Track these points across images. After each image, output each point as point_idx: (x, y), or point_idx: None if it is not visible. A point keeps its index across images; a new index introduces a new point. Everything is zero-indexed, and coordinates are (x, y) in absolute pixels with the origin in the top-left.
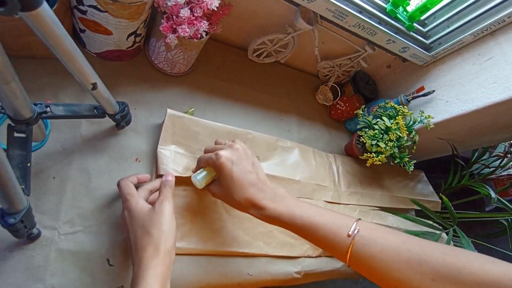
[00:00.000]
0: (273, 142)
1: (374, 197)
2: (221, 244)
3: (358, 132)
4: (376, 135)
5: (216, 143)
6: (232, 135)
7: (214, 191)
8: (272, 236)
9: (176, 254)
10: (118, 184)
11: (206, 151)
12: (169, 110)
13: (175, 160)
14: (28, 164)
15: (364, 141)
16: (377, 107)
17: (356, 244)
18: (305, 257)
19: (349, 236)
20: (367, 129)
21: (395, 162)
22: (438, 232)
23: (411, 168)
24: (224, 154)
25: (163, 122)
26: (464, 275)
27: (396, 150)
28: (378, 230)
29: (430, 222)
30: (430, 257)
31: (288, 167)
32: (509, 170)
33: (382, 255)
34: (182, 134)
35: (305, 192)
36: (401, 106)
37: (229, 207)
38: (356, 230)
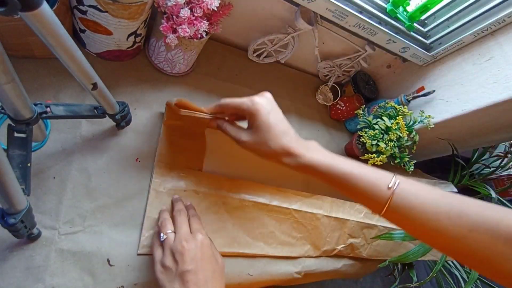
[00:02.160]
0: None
1: None
2: (221, 245)
3: (359, 132)
4: (377, 135)
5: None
6: None
7: (245, 139)
8: (273, 236)
9: None
10: (190, 220)
11: (226, 103)
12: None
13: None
14: (28, 164)
15: (365, 141)
16: (377, 107)
17: (396, 196)
18: (306, 257)
19: (389, 188)
20: (367, 129)
21: (396, 162)
22: None
23: (411, 168)
24: (260, 101)
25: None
26: (501, 227)
27: (396, 150)
28: (417, 185)
29: None
30: (469, 210)
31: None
32: (509, 170)
33: (422, 207)
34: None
35: None
36: (401, 106)
37: (230, 207)
38: (396, 184)
